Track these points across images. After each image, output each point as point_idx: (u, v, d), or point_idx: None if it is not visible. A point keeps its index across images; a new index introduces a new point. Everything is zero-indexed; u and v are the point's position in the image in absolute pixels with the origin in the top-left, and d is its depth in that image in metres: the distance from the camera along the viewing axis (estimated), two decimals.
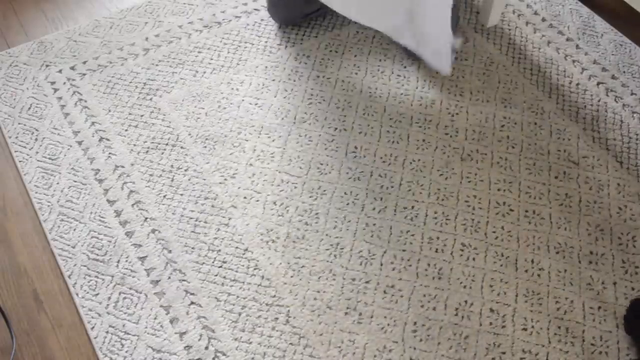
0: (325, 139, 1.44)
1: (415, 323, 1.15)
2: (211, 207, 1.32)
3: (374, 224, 1.29)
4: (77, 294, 1.21)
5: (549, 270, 1.22)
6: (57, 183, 1.37)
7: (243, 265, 1.24)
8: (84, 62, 1.61)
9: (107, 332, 1.16)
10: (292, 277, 1.22)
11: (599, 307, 1.18)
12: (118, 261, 1.25)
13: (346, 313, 1.17)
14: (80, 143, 1.44)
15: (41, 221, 1.31)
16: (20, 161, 1.41)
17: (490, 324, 1.16)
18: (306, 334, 1.14)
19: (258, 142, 1.44)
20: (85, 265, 1.24)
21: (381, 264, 1.23)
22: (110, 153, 1.42)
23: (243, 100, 1.52)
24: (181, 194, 1.34)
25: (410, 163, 1.39)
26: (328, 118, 1.48)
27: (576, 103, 1.51)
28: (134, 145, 1.43)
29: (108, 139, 1.44)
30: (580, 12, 1.72)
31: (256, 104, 1.51)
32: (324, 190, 1.35)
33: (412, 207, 1.32)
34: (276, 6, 1.61)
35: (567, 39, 1.65)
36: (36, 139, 1.45)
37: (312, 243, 1.27)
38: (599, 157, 1.40)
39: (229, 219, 1.31)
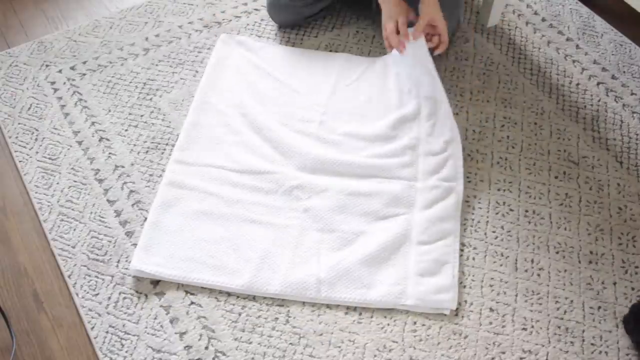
0: None
1: (415, 323, 1.15)
2: None
3: None
4: (77, 294, 1.21)
5: (549, 270, 1.22)
6: (57, 183, 1.37)
7: None
8: (84, 62, 1.61)
9: (107, 332, 1.15)
10: None
11: (599, 307, 1.18)
12: (118, 261, 1.24)
13: (346, 313, 1.17)
14: (80, 143, 1.44)
15: (41, 221, 1.31)
16: (20, 161, 1.41)
17: (490, 323, 1.16)
18: (306, 334, 1.14)
19: None
20: (85, 265, 1.24)
21: None
22: (110, 153, 1.42)
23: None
24: None
25: None
26: None
27: (576, 103, 1.51)
28: (134, 145, 1.43)
29: (108, 139, 1.44)
30: (580, 12, 1.72)
31: None
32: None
33: None
34: (277, 8, 1.61)
35: (567, 39, 1.65)
36: (36, 139, 1.45)
37: None
38: (599, 157, 1.40)
39: None
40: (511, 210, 1.31)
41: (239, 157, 1.36)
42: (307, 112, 1.45)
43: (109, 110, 1.50)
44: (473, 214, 1.30)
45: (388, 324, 1.15)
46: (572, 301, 1.18)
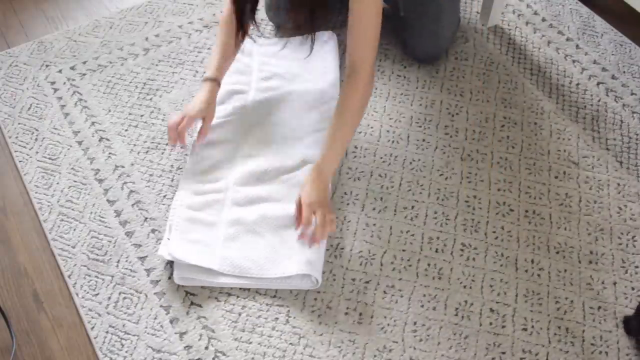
0: None
1: (415, 323, 1.15)
2: None
3: (374, 224, 1.29)
4: (77, 294, 1.21)
5: (549, 270, 1.22)
6: (57, 183, 1.37)
7: None
8: (84, 62, 1.61)
9: (107, 332, 1.16)
10: None
11: (599, 307, 1.18)
12: (118, 261, 1.25)
13: (346, 313, 1.17)
14: (80, 143, 1.44)
15: (41, 221, 1.31)
16: (20, 161, 1.41)
17: (490, 324, 1.16)
18: (306, 334, 1.14)
19: None
20: (85, 265, 1.24)
21: (381, 264, 1.23)
22: (110, 153, 1.42)
23: None
24: None
25: (410, 163, 1.39)
26: None
27: (576, 103, 1.51)
28: (134, 145, 1.43)
29: (108, 139, 1.44)
30: (580, 12, 1.72)
31: None
32: None
33: (412, 207, 1.32)
34: (277, 10, 1.60)
35: (567, 39, 1.65)
36: (36, 139, 1.45)
37: None
38: (599, 157, 1.40)
39: None
40: (511, 210, 1.31)
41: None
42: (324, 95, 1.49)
43: (109, 110, 1.50)
44: (473, 214, 1.30)
45: (388, 324, 1.15)
46: (572, 301, 1.18)
